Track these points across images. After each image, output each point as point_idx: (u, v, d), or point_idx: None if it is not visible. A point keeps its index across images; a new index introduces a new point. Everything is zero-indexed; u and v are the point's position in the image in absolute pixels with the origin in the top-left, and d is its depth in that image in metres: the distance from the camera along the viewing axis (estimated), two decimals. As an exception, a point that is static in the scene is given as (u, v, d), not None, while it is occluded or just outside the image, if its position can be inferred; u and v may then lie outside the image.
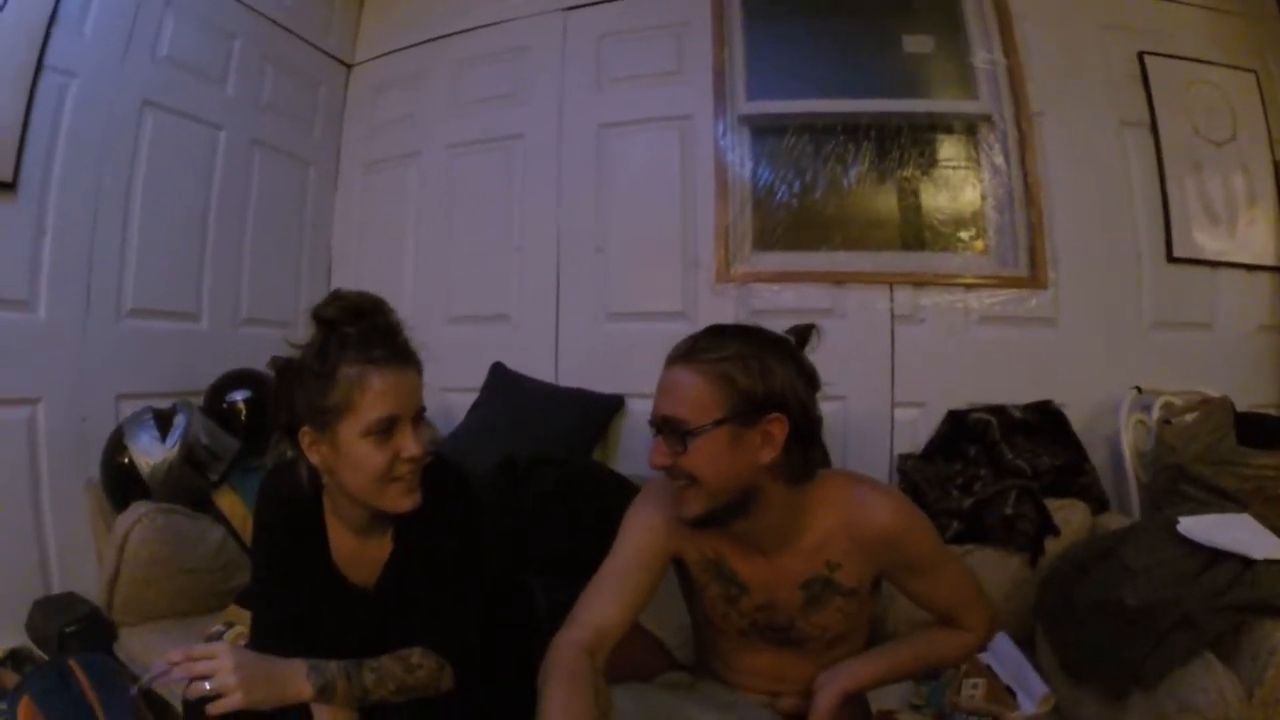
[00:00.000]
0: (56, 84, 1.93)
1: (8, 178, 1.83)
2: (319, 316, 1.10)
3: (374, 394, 1.04)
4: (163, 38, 2.20)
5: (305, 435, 1.08)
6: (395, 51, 2.83)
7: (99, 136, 2.04)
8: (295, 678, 1.01)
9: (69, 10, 1.94)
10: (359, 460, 1.05)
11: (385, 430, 1.05)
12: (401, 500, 1.10)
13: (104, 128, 2.05)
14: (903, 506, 1.20)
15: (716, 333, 1.10)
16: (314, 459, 1.09)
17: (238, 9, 2.44)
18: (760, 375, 1.05)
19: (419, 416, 1.11)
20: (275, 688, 1.00)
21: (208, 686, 0.95)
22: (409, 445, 1.06)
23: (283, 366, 1.11)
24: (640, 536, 1.20)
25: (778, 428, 1.06)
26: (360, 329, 1.08)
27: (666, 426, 1.07)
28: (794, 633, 1.21)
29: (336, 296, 1.12)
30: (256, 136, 2.53)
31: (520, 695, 1.04)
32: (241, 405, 2.15)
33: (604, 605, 1.12)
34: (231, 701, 0.95)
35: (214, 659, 0.96)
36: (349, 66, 2.90)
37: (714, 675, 1.34)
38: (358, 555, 1.20)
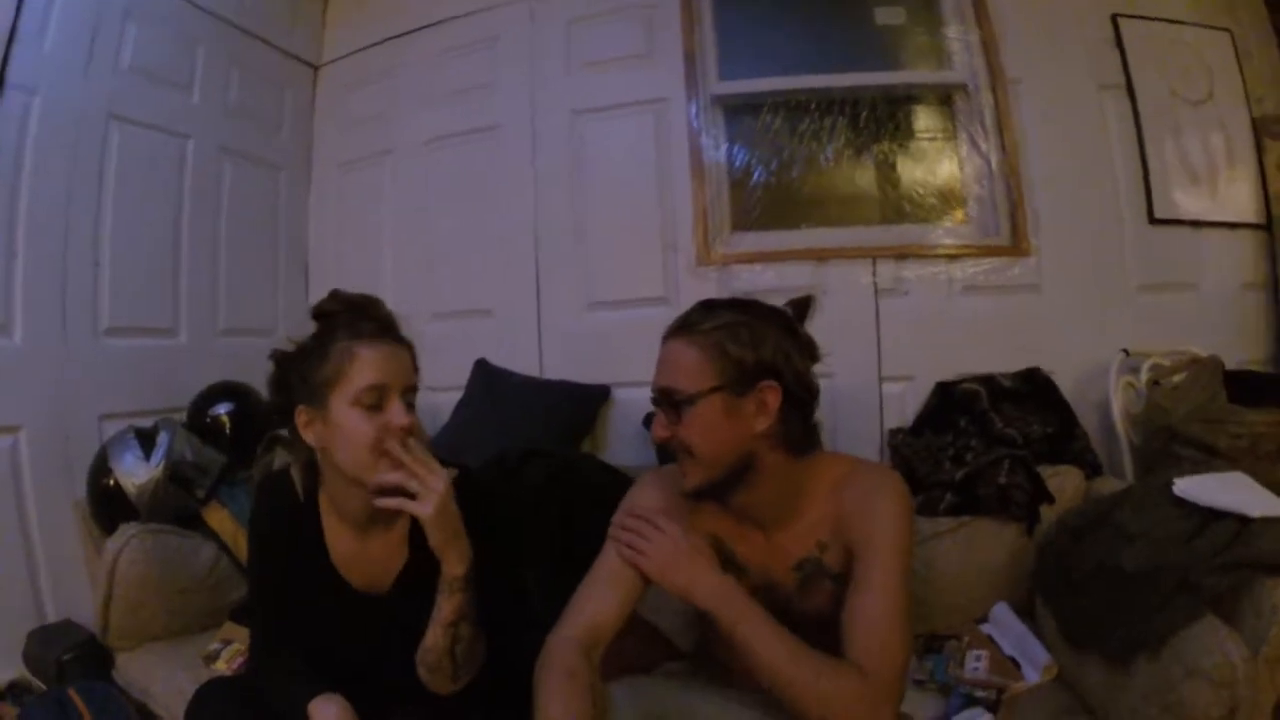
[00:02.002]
0: (19, 102, 1.88)
1: (-26, 199, 1.78)
2: (318, 311, 1.14)
3: (362, 362, 1.07)
4: (125, 48, 2.14)
5: (301, 414, 1.11)
6: (362, 50, 2.77)
7: (66, 153, 1.99)
8: (460, 553, 1.07)
9: (28, 26, 1.88)
10: (349, 431, 1.06)
11: (375, 402, 1.07)
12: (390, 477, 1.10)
13: (70, 143, 2.00)
14: (890, 480, 1.18)
15: (710, 305, 1.13)
16: (309, 438, 1.11)
17: (199, 15, 2.37)
18: (751, 343, 1.08)
19: (410, 393, 1.12)
20: (447, 538, 1.05)
21: (413, 485, 1.03)
22: (398, 415, 1.07)
23: (281, 355, 1.15)
24: None
25: (771, 395, 1.08)
26: (355, 315, 1.12)
27: (664, 398, 1.11)
28: (790, 616, 1.18)
29: (335, 294, 1.16)
30: (225, 144, 2.48)
31: (515, 692, 1.04)
32: (225, 418, 2.12)
33: (598, 602, 1.12)
34: (415, 508, 1.03)
35: (434, 480, 1.03)
36: (315, 67, 2.84)
37: (715, 661, 1.32)
38: (358, 555, 1.19)
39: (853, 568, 1.10)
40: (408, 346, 1.15)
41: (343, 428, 1.07)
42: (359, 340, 1.08)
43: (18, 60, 1.85)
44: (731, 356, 1.07)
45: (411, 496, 1.03)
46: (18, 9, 1.85)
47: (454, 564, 1.06)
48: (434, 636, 1.09)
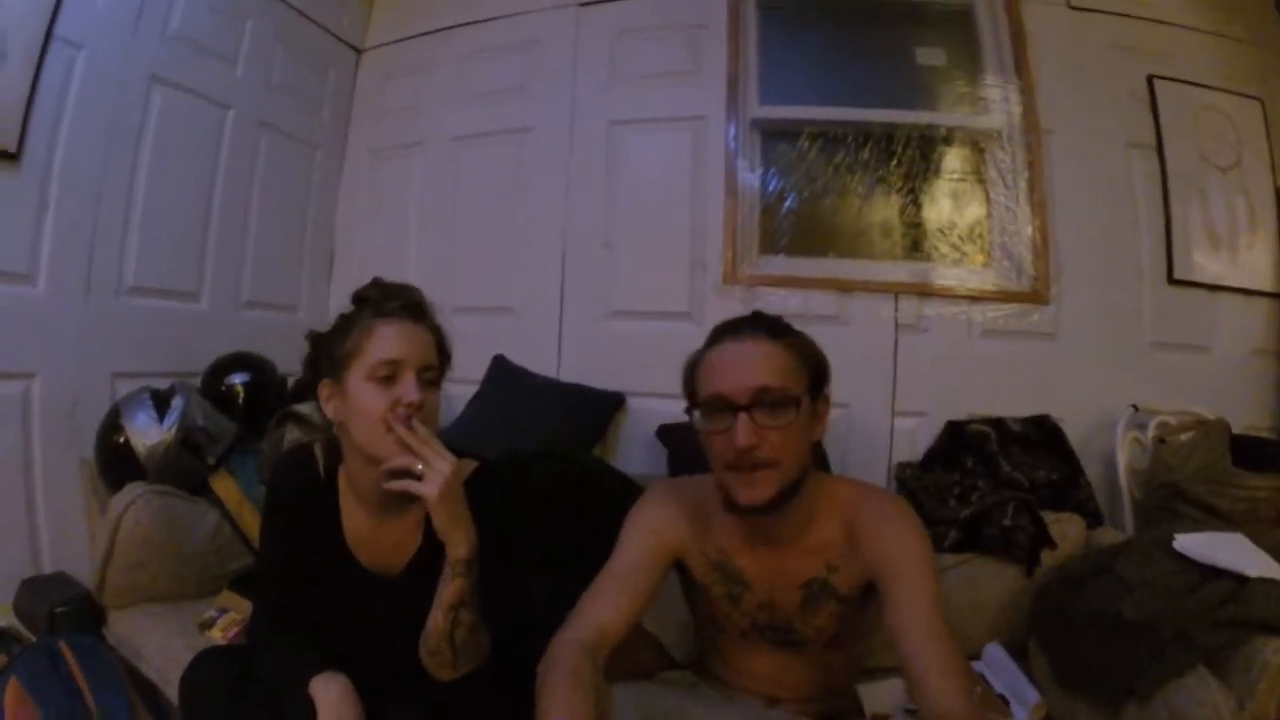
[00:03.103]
0: (65, 55, 1.91)
1: (12, 148, 1.81)
2: (355, 295, 1.19)
3: (379, 338, 1.11)
4: (174, 14, 2.19)
5: (324, 389, 1.16)
6: (405, 39, 2.83)
7: (106, 110, 2.02)
8: (464, 537, 1.08)
9: (81, -25, 1.93)
10: (362, 404, 1.10)
11: (389, 376, 1.10)
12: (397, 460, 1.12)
13: (111, 102, 2.04)
14: (903, 506, 1.23)
15: (764, 316, 1.16)
16: (329, 412, 1.15)
17: (251, -12, 2.43)
18: (817, 353, 1.15)
19: (427, 371, 1.14)
20: (451, 521, 1.07)
21: (418, 468, 1.05)
22: (409, 390, 1.09)
23: (315, 335, 1.20)
24: (644, 539, 1.22)
25: (825, 405, 1.16)
26: (385, 297, 1.16)
27: (765, 398, 1.07)
28: (793, 634, 1.24)
29: (375, 281, 1.21)
30: (264, 118, 2.52)
31: (517, 688, 1.06)
32: (240, 388, 2.14)
33: (606, 606, 1.14)
34: (420, 489, 1.05)
35: (439, 463, 1.06)
36: (359, 51, 2.90)
37: (714, 676, 1.35)
38: (372, 536, 1.22)
39: (884, 589, 1.10)
40: (432, 329, 1.18)
41: (357, 401, 1.10)
42: (380, 317, 1.13)
43: (67, 14, 1.89)
44: (810, 360, 1.12)
45: (418, 479, 1.06)
46: (72, -43, 1.89)
47: (458, 547, 1.07)
48: (435, 620, 1.10)
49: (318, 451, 1.26)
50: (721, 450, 1.10)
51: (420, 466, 1.05)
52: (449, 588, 1.09)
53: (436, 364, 1.16)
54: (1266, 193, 2.32)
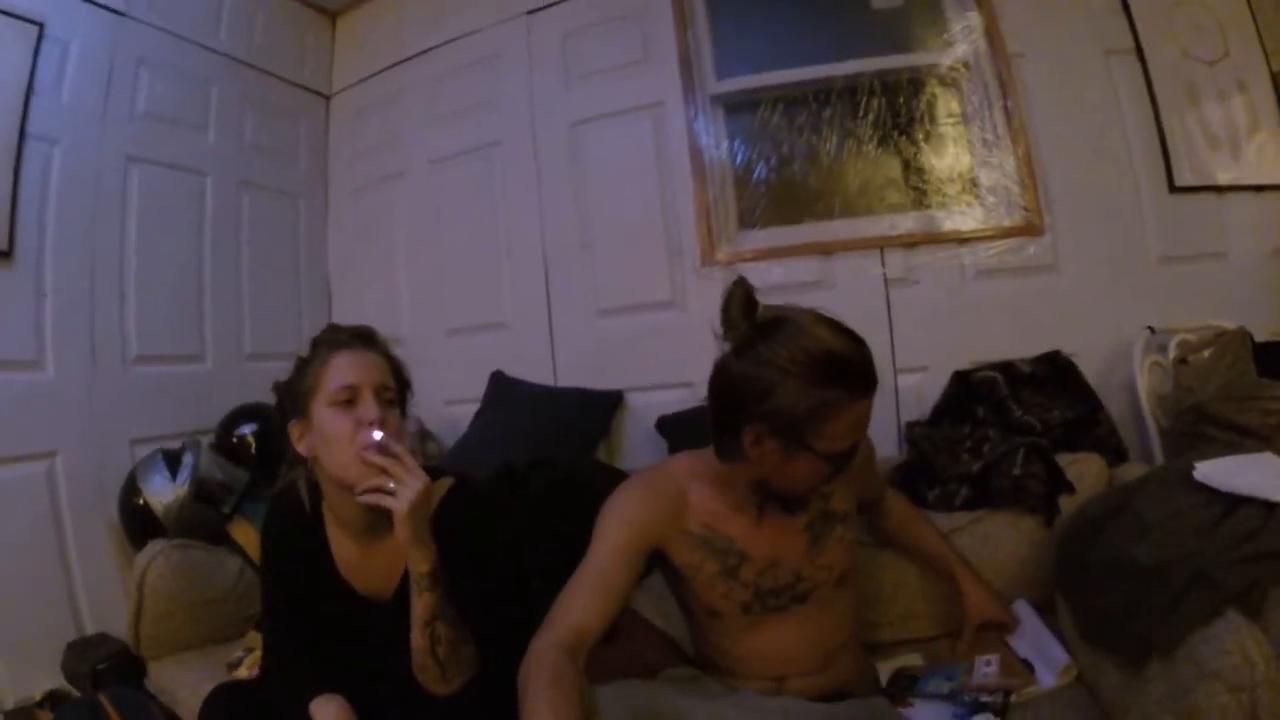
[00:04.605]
0: (41, 152, 1.94)
1: (3, 246, 1.84)
2: (312, 341, 1.21)
3: (334, 367, 1.13)
4: (139, 94, 2.19)
5: (293, 429, 1.16)
6: (370, 77, 2.78)
7: (88, 197, 2.04)
8: (424, 553, 1.07)
9: (45, 79, 1.94)
10: (328, 430, 1.10)
11: (349, 400, 1.11)
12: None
13: (92, 188, 2.05)
14: None
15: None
16: (302, 450, 1.16)
17: (211, 57, 2.41)
18: None
19: (386, 394, 1.15)
20: (413, 537, 1.05)
21: (391, 485, 1.04)
22: (369, 411, 1.10)
23: (279, 385, 1.22)
24: (617, 533, 1.15)
25: None
26: (337, 334, 1.20)
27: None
28: (801, 585, 1.19)
29: (330, 325, 1.25)
30: (242, 178, 2.50)
31: (512, 700, 0.98)
32: (250, 438, 2.14)
33: (583, 605, 1.07)
34: (389, 502, 1.04)
35: (411, 479, 1.04)
36: (327, 97, 2.86)
37: (714, 668, 1.28)
38: (363, 563, 1.20)
39: (861, 480, 1.28)
40: (385, 355, 1.20)
41: (323, 429, 1.11)
42: (333, 350, 1.15)
43: (36, 112, 1.92)
44: None
45: (390, 494, 1.05)
46: (34, 63, 1.90)
47: (418, 562, 1.06)
48: (415, 638, 1.09)
49: (302, 489, 1.24)
50: (816, 479, 1.12)
51: (391, 483, 1.05)
52: (419, 604, 1.08)
53: (393, 385, 1.17)
54: (1262, 80, 2.04)
